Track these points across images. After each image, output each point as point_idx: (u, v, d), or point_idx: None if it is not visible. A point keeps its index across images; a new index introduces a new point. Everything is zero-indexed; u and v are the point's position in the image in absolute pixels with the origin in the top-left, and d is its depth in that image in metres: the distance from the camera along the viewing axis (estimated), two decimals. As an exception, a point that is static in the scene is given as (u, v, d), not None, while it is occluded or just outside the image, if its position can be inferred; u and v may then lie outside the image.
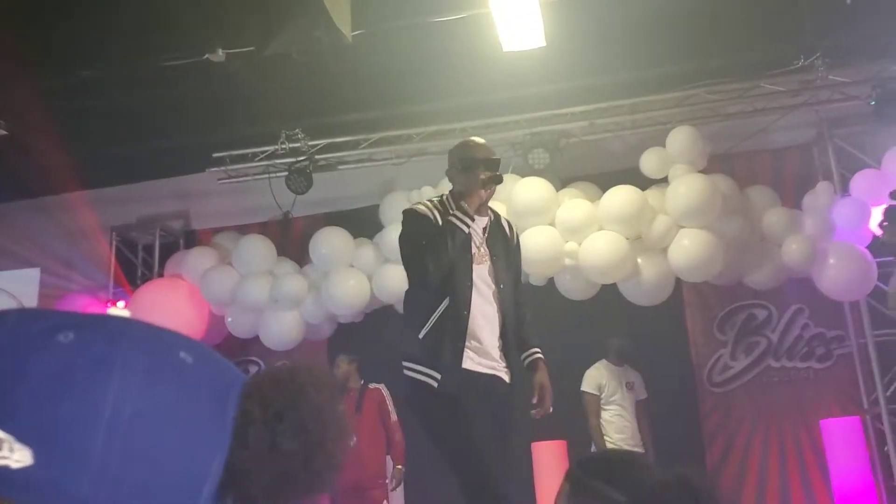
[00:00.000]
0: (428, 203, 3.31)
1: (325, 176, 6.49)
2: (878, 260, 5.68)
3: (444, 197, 3.33)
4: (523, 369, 3.31)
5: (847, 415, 5.94)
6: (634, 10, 5.38)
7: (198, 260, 6.57)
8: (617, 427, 5.54)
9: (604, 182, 5.99)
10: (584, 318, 6.06)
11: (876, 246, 5.73)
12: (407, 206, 3.62)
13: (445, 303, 3.19)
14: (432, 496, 6.02)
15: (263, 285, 6.26)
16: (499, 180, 3.29)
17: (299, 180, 6.28)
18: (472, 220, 3.19)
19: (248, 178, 6.63)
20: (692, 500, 1.53)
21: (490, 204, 3.37)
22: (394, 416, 5.85)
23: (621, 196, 5.71)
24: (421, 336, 3.18)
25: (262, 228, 6.82)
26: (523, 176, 5.97)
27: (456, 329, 3.16)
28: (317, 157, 6.40)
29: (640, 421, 5.71)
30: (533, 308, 5.75)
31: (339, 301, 6.17)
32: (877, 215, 5.64)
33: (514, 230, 3.48)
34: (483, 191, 3.22)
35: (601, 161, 6.35)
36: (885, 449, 5.92)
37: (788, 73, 5.90)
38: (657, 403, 5.97)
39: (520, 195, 5.82)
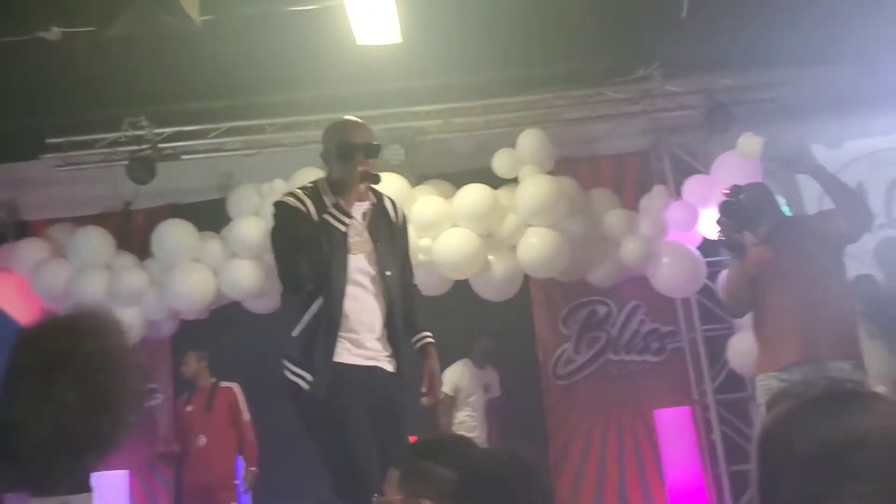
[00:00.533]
0: (300, 193, 3.12)
1: (170, 166, 6.21)
2: (708, 260, 6.09)
3: (320, 183, 3.16)
4: (415, 354, 3.24)
5: (679, 405, 6.33)
6: (489, 12, 5.50)
7: (28, 252, 6.14)
8: (467, 427, 5.66)
9: (457, 180, 6.10)
10: (437, 313, 6.10)
11: (705, 246, 6.14)
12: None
13: (319, 300, 3.07)
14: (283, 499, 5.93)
15: (100, 279, 5.93)
16: (376, 180, 3.13)
17: (142, 169, 5.98)
18: (350, 217, 3.03)
19: (88, 166, 6.25)
20: (520, 471, 1.58)
21: None
22: (246, 416, 5.70)
23: (474, 194, 5.82)
24: (295, 334, 3.09)
25: (101, 220, 6.45)
26: (379, 171, 5.96)
27: (329, 325, 3.06)
28: (161, 145, 6.12)
29: (489, 417, 5.87)
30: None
31: (182, 297, 5.94)
32: (706, 218, 6.04)
33: (399, 210, 3.32)
34: (361, 185, 3.06)
35: (455, 159, 6.46)
36: (713, 437, 6.34)
37: (628, 83, 6.21)
38: (503, 395, 6.15)
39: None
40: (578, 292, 6.54)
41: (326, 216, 3.00)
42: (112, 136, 6.11)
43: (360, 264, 3.10)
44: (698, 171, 6.34)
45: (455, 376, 5.82)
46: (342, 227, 3.01)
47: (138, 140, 6.08)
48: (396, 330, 3.15)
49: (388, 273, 3.13)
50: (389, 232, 3.21)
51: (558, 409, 6.54)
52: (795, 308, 3.88)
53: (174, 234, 6.04)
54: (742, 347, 5.71)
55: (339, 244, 3.05)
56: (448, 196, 5.96)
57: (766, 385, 4.04)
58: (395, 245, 3.24)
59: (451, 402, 5.74)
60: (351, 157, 3.05)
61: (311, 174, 6.01)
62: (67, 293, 5.96)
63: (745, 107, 6.20)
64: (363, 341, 3.08)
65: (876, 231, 6.65)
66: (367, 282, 3.11)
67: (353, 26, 5.04)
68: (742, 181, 5.52)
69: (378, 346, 3.11)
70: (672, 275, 6.05)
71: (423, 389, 3.16)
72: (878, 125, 6.50)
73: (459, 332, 6.09)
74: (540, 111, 6.25)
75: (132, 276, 5.98)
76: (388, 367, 3.12)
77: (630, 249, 5.98)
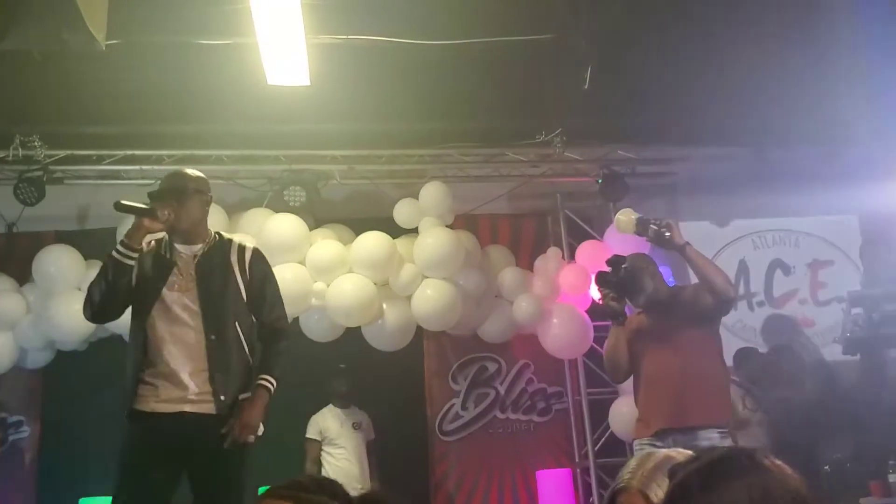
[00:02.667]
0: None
1: (60, 190, 6.00)
2: (595, 324, 6.24)
3: None
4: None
5: (561, 466, 6.39)
6: (400, 64, 5.61)
7: None
8: (344, 469, 5.57)
9: (358, 227, 6.09)
10: (327, 360, 6.04)
11: (593, 310, 6.29)
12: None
13: (130, 336, 3.27)
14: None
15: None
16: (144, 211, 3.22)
17: (30, 190, 5.74)
18: (137, 253, 3.19)
19: (-29, 182, 5.97)
20: None
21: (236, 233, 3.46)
22: None
23: (372, 241, 5.83)
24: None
25: (-18, 239, 6.16)
26: (277, 211, 5.92)
27: (135, 363, 3.19)
28: (52, 168, 5.90)
29: (370, 460, 5.82)
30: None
31: (60, 326, 5.67)
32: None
33: (247, 256, 3.39)
34: (139, 223, 3.20)
35: (357, 206, 6.47)
36: (591, 500, 6.41)
37: (531, 146, 6.39)
38: (389, 449, 6.07)
39: (272, 230, 5.75)
40: (470, 347, 6.57)
41: (113, 253, 3.19)
42: (1, 153, 5.86)
43: (175, 301, 3.22)
44: (592, 237, 6.54)
45: (318, 421, 5.79)
46: (128, 262, 3.17)
47: (28, 160, 5.85)
48: (221, 370, 3.19)
49: (211, 313, 3.22)
50: (224, 275, 3.30)
51: (443, 465, 6.49)
52: (667, 375, 4.04)
53: (58, 260, 5.79)
54: (623, 411, 5.84)
55: (153, 280, 3.22)
56: (346, 242, 5.95)
57: (641, 451, 4.17)
58: (232, 288, 3.30)
59: (316, 449, 5.72)
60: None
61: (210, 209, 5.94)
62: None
63: (639, 178, 6.49)
64: (174, 374, 3.16)
65: (756, 308, 7.03)
66: (183, 319, 3.21)
67: (265, 65, 5.04)
68: (631, 249, 5.77)
69: (191, 383, 3.16)
70: (561, 335, 6.16)
71: (224, 430, 3.15)
72: (763, 206, 6.86)
73: (334, 374, 6.01)
74: (444, 165, 6.36)
75: (8, 300, 5.70)
76: (202, 409, 3.16)
77: (522, 308, 6.07)
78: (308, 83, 5.21)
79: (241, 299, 3.32)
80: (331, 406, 5.87)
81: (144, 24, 5.00)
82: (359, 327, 5.93)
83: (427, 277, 5.91)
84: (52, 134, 5.86)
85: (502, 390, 6.66)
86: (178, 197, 3.25)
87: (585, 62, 5.75)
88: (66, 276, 5.76)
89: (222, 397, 3.16)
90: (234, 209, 6.09)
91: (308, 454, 5.70)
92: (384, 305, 5.89)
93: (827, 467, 5.45)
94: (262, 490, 4.86)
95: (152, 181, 6.09)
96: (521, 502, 6.42)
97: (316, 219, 6.13)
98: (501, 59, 5.82)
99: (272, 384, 3.26)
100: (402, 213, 6.12)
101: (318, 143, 6.12)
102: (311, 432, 5.76)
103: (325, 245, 5.84)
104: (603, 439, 6.45)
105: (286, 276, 5.61)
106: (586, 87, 5.81)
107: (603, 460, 6.38)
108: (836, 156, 6.32)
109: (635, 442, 4.22)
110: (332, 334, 5.96)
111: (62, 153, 5.92)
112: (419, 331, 6.18)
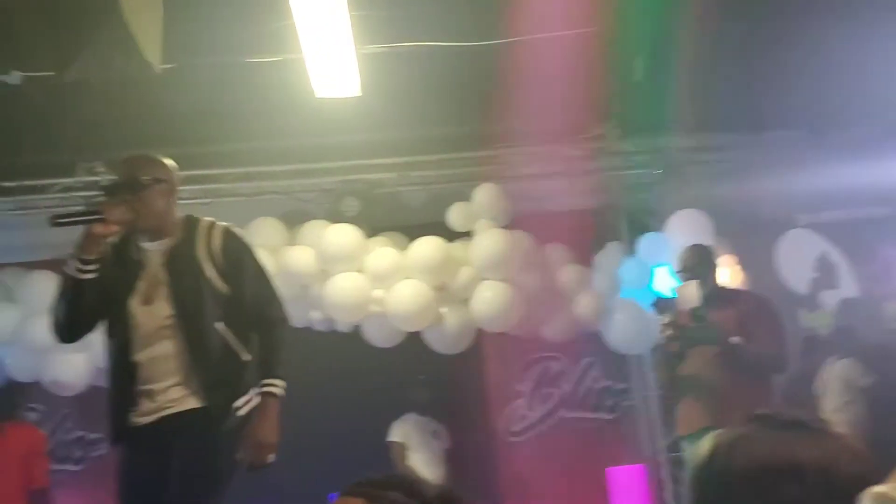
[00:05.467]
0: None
1: (125, 212, 6.19)
2: (667, 312, 6.14)
3: None
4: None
5: (632, 463, 6.31)
6: (447, 68, 5.62)
7: (-26, 296, 6.03)
8: (425, 472, 5.65)
9: (412, 233, 6.13)
10: (389, 365, 6.10)
11: (657, 304, 6.20)
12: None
13: (109, 354, 2.97)
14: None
15: (49, 325, 5.81)
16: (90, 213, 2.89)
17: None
18: (85, 263, 2.83)
19: (40, 210, 6.19)
20: None
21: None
22: None
23: (428, 247, 5.85)
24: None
25: (53, 265, 6.35)
26: (334, 222, 5.99)
27: (115, 381, 2.95)
28: (116, 192, 6.09)
29: (444, 469, 5.88)
30: (339, 355, 5.76)
31: (133, 344, 5.84)
32: (659, 275, 6.14)
33: (218, 239, 2.97)
34: (88, 230, 2.83)
35: (410, 212, 6.50)
36: (665, 496, 6.30)
37: (584, 141, 6.32)
38: (456, 451, 6.10)
39: (329, 241, 5.83)
40: (532, 347, 6.54)
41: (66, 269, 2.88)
42: (67, 181, 6.08)
43: (147, 308, 2.87)
44: (652, 229, 6.44)
45: (402, 425, 5.89)
46: (86, 276, 2.82)
47: (93, 186, 6.05)
48: (211, 377, 2.87)
49: (186, 315, 2.87)
50: (195, 268, 2.91)
51: (512, 466, 6.47)
52: (706, 374, 4.05)
53: (126, 281, 5.97)
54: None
55: (120, 288, 2.89)
56: (402, 248, 5.98)
57: (689, 447, 4.18)
58: (205, 281, 2.91)
59: (402, 451, 5.81)
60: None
61: (267, 224, 6.06)
62: (15, 338, 5.85)
63: (697, 167, 6.37)
64: (153, 392, 2.86)
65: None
66: (157, 327, 2.87)
67: (313, 79, 5.11)
68: (695, 240, 5.68)
69: (171, 393, 2.85)
70: (625, 331, 6.08)
71: (239, 455, 2.87)
72: (825, 190, 6.66)
73: (411, 384, 6.09)
74: (496, 166, 6.34)
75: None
76: (183, 406, 2.85)
77: (584, 305, 6.02)
78: (358, 93, 5.26)
79: (217, 290, 2.92)
80: (413, 414, 5.96)
81: (196, 46, 5.12)
82: (419, 332, 5.96)
83: (485, 279, 5.90)
84: (115, 159, 6.03)
85: (568, 389, 6.62)
86: (131, 190, 2.86)
87: (635, 52, 5.67)
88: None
89: (205, 390, 2.86)
90: (292, 222, 6.18)
91: (396, 455, 5.81)
92: (443, 309, 5.90)
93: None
94: (331, 496, 4.94)
95: (213, 200, 6.27)
96: (594, 501, 6.36)
97: (371, 227, 6.18)
98: (549, 55, 5.77)
99: (279, 386, 2.92)
100: (456, 216, 6.12)
101: (370, 152, 6.18)
102: (396, 436, 5.86)
103: (382, 253, 5.89)
104: (674, 433, 6.32)
105: (345, 284, 5.72)
106: (638, 77, 5.74)
107: (675, 455, 6.26)
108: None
109: (682, 439, 4.29)
110: (393, 340, 6.00)
111: (125, 177, 6.10)
112: (479, 333, 6.17)
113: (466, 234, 6.11)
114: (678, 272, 4.45)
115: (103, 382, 6.01)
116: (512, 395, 6.56)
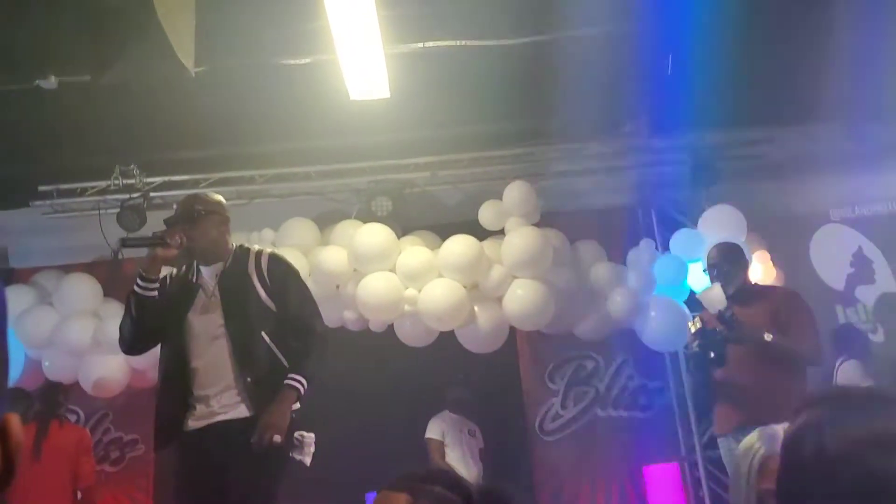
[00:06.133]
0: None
1: (160, 214, 6.23)
2: (695, 314, 6.08)
3: None
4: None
5: (667, 461, 6.26)
6: (476, 67, 5.62)
7: (13, 299, 6.09)
8: (462, 469, 5.66)
9: (443, 232, 6.13)
10: (422, 364, 6.11)
11: (691, 301, 6.15)
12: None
13: (165, 363, 3.33)
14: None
15: (86, 327, 5.90)
16: (155, 241, 3.31)
17: (132, 217, 6.02)
18: (158, 284, 3.28)
19: (76, 213, 6.29)
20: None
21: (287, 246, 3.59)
22: None
23: (459, 245, 5.85)
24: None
25: (89, 268, 6.46)
26: (366, 222, 6.01)
27: (168, 388, 3.27)
28: (152, 194, 6.18)
29: (481, 466, 5.90)
30: (373, 354, 5.78)
31: (168, 345, 5.90)
32: (693, 272, 6.09)
33: (264, 262, 3.42)
34: (152, 254, 3.27)
35: (441, 211, 6.51)
36: (701, 493, 6.26)
37: (615, 138, 6.30)
38: (490, 450, 6.10)
39: (362, 241, 5.85)
40: (566, 346, 6.51)
41: (134, 289, 3.29)
42: (103, 184, 6.17)
43: (203, 322, 3.28)
44: (685, 226, 6.39)
45: (439, 422, 5.90)
46: (150, 294, 3.25)
47: (129, 188, 6.14)
48: (256, 383, 3.21)
49: (237, 327, 3.25)
50: (245, 287, 3.33)
51: (546, 465, 6.44)
52: (741, 373, 4.02)
53: (162, 283, 6.03)
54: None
55: (178, 306, 3.30)
56: (434, 247, 5.99)
57: (727, 446, 4.16)
58: (254, 299, 3.32)
59: (440, 447, 5.82)
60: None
61: (300, 224, 6.10)
62: (52, 340, 5.94)
63: (729, 163, 6.31)
64: (208, 397, 3.22)
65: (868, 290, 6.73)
66: (210, 338, 3.26)
67: (346, 81, 5.12)
68: (728, 236, 5.63)
69: (223, 399, 3.21)
70: (660, 328, 6.03)
71: (254, 437, 3.12)
72: (859, 184, 6.59)
73: (445, 383, 6.10)
74: (526, 164, 6.34)
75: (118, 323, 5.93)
76: (234, 414, 3.20)
77: (617, 303, 5.98)
78: (388, 95, 5.28)
79: (267, 307, 3.33)
80: (447, 412, 5.97)
81: (229, 48, 5.16)
82: (453, 331, 5.96)
83: (517, 277, 5.89)
84: (150, 162, 6.13)
85: (602, 388, 6.57)
86: (188, 220, 3.34)
87: (666, 48, 5.63)
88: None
89: (253, 400, 3.19)
90: (325, 223, 6.22)
91: (433, 453, 5.81)
92: (476, 308, 5.90)
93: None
94: (369, 495, 4.94)
95: (246, 201, 6.33)
96: (629, 499, 6.32)
97: (403, 227, 6.20)
98: (579, 52, 5.75)
99: (301, 383, 3.23)
100: (487, 214, 6.12)
101: (401, 151, 6.20)
102: (434, 432, 5.87)
103: (414, 252, 5.89)
104: (709, 431, 6.27)
105: (378, 284, 5.73)
106: (669, 72, 5.70)
107: (711, 452, 6.21)
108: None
109: (719, 438, 4.28)
110: (426, 339, 6.00)
111: (160, 180, 6.19)
112: (513, 332, 6.17)
113: (498, 233, 6.10)
114: (705, 270, 4.43)
115: (140, 384, 6.16)
116: (546, 394, 6.54)
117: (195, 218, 3.35)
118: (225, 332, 3.24)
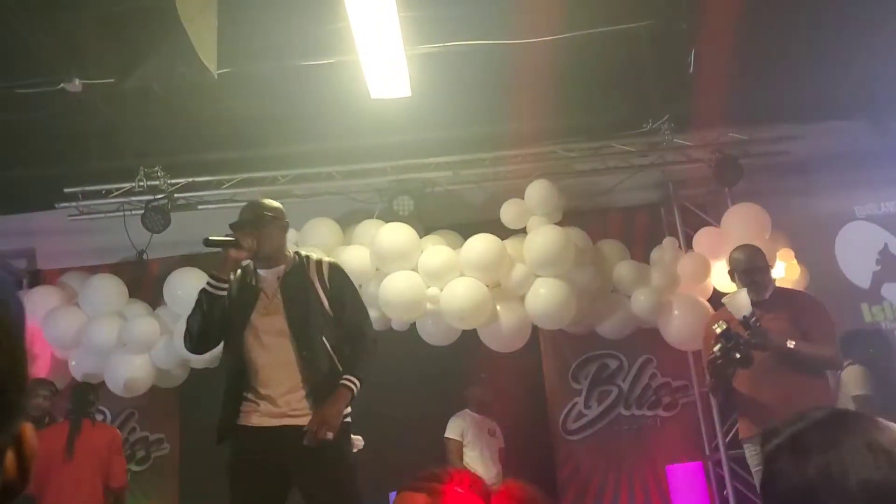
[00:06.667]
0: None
1: (184, 216, 6.30)
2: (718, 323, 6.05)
3: None
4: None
5: (691, 461, 6.23)
6: (496, 67, 5.62)
7: (40, 299, 6.18)
8: (480, 469, 5.64)
9: (466, 231, 6.13)
10: (444, 363, 6.12)
11: (716, 299, 6.11)
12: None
13: (228, 362, 3.44)
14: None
15: (112, 327, 5.95)
16: (227, 243, 3.39)
17: (156, 218, 6.07)
18: (227, 284, 3.39)
19: (102, 215, 6.35)
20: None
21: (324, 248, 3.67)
22: None
23: (481, 244, 5.84)
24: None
25: (115, 269, 6.52)
26: (388, 222, 6.03)
27: (233, 386, 3.37)
28: (176, 195, 6.22)
29: (502, 465, 5.86)
30: (395, 354, 5.78)
31: (193, 345, 5.93)
32: (717, 270, 6.05)
33: (325, 268, 3.55)
34: (225, 255, 3.37)
35: (463, 210, 6.51)
36: (725, 492, 6.22)
37: (638, 136, 6.27)
38: (513, 450, 6.08)
39: (384, 240, 5.86)
40: (588, 345, 6.49)
41: (205, 287, 3.42)
42: (127, 185, 6.22)
43: (266, 324, 3.38)
44: (708, 224, 6.35)
45: (459, 422, 5.88)
46: (220, 293, 3.38)
47: (153, 190, 6.19)
48: (315, 384, 3.33)
49: (300, 330, 3.36)
50: (306, 291, 3.46)
51: (569, 464, 6.43)
52: (764, 378, 4.00)
53: (186, 283, 6.07)
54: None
55: (237, 304, 3.40)
56: (456, 246, 5.99)
57: (754, 450, 4.14)
58: (315, 302, 3.44)
59: (459, 448, 5.80)
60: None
61: (322, 224, 6.12)
62: (78, 340, 6.00)
63: (752, 160, 6.27)
64: (275, 398, 3.31)
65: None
66: (274, 340, 3.36)
67: (367, 80, 5.14)
68: (751, 234, 5.59)
69: (290, 401, 3.31)
70: (683, 327, 5.99)
71: (305, 428, 3.26)
72: (884, 182, 6.52)
73: (467, 382, 6.09)
74: (549, 163, 6.32)
75: (143, 323, 6.00)
76: (303, 422, 3.27)
77: (641, 301, 5.95)
78: (409, 94, 5.29)
79: (326, 312, 3.46)
80: (468, 411, 5.96)
81: (251, 50, 5.20)
82: (475, 330, 5.96)
83: (539, 276, 5.88)
84: (174, 163, 6.18)
85: (625, 387, 6.55)
86: (257, 225, 3.42)
87: (688, 45, 5.60)
88: (195, 297, 6.01)
89: (317, 403, 3.29)
90: (347, 222, 6.24)
91: (451, 454, 5.77)
92: (498, 307, 5.89)
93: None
94: (392, 494, 4.98)
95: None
96: (653, 498, 6.29)
97: (425, 226, 6.21)
98: (600, 50, 5.73)
99: (355, 384, 3.35)
100: (509, 213, 6.11)
101: (422, 151, 6.21)
102: (453, 432, 5.85)
103: (436, 251, 5.89)
104: (734, 430, 6.24)
105: (400, 283, 5.74)
106: (691, 70, 5.66)
107: (735, 452, 6.17)
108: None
109: (745, 443, 4.27)
110: (449, 338, 6.01)
111: (184, 181, 6.23)
112: (535, 332, 6.16)
113: (520, 232, 6.09)
114: (729, 273, 4.38)
115: (165, 384, 6.21)
116: (568, 393, 6.52)
117: (263, 223, 3.45)
118: (289, 333, 3.35)
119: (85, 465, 5.06)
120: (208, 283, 3.41)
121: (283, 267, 3.50)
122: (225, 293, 3.39)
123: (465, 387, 6.03)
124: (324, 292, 3.48)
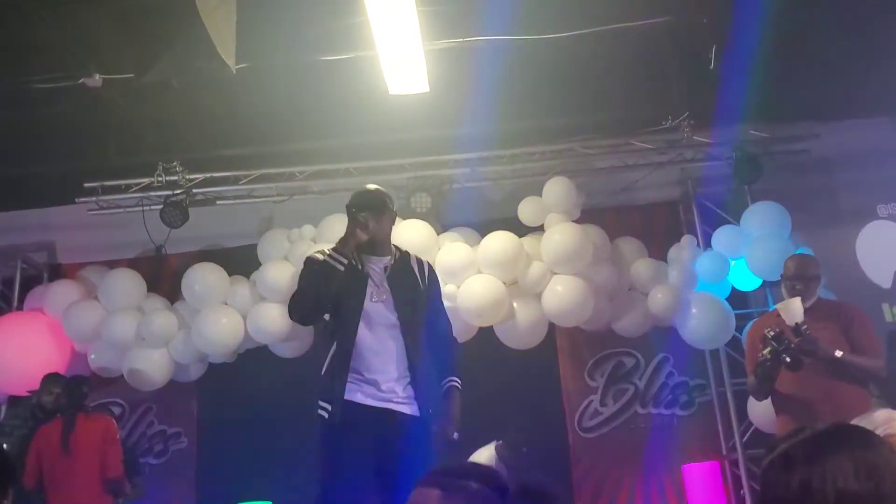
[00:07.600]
0: (327, 249, 3.46)
1: (202, 211, 6.33)
2: (737, 312, 6.01)
3: None
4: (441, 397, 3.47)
5: (707, 460, 6.19)
6: (515, 65, 5.59)
7: (60, 293, 6.23)
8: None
9: (483, 228, 6.12)
10: (460, 360, 6.08)
11: (734, 298, 6.07)
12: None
13: (336, 341, 3.41)
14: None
15: (130, 321, 5.99)
16: (355, 221, 3.37)
17: (175, 213, 6.09)
18: (347, 260, 3.34)
19: (121, 210, 6.39)
20: (557, 491, 1.61)
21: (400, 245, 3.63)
22: None
23: (499, 241, 5.83)
24: (322, 373, 3.40)
25: (133, 264, 6.56)
26: (405, 218, 6.02)
27: (342, 364, 3.35)
28: (194, 191, 6.24)
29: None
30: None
31: (210, 340, 5.96)
32: (735, 269, 6.01)
33: (426, 266, 3.63)
34: (352, 231, 3.34)
35: (481, 208, 6.48)
36: (742, 492, 6.18)
37: (657, 133, 6.22)
38: (529, 447, 6.05)
39: (401, 237, 5.83)
40: (605, 343, 6.46)
41: (327, 258, 3.34)
42: (146, 181, 6.25)
43: (377, 310, 3.39)
44: (727, 222, 6.30)
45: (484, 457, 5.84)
46: (339, 267, 3.31)
47: (172, 185, 6.21)
48: (418, 375, 3.39)
49: (407, 322, 3.41)
50: (412, 286, 3.50)
51: (584, 462, 6.41)
52: (806, 379, 3.98)
53: (204, 278, 6.10)
54: (759, 406, 5.57)
55: (351, 286, 3.37)
56: (473, 244, 5.97)
57: None
58: (418, 299, 3.49)
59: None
60: (349, 213, 3.41)
61: (340, 220, 6.10)
62: (97, 334, 6.04)
63: (772, 158, 6.21)
64: (379, 383, 3.34)
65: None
66: (383, 328, 3.39)
67: (386, 76, 5.13)
68: (772, 232, 5.53)
69: (395, 388, 3.35)
70: (701, 326, 5.96)
71: (435, 428, 3.35)
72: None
73: (483, 380, 6.06)
74: (567, 160, 6.28)
75: (162, 318, 6.03)
76: (406, 410, 3.35)
77: (658, 300, 5.92)
78: (427, 90, 5.27)
79: (425, 307, 3.52)
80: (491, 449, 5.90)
81: (269, 46, 5.20)
82: (492, 327, 5.95)
83: (556, 274, 5.85)
84: (192, 159, 6.20)
85: (642, 385, 6.52)
86: (380, 211, 3.42)
87: (710, 41, 5.55)
88: (212, 292, 6.07)
89: (421, 400, 3.38)
90: (364, 219, 6.22)
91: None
92: (515, 304, 5.88)
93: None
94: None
95: (287, 198, 6.38)
96: (668, 497, 6.26)
97: (442, 223, 6.19)
98: (620, 46, 5.69)
99: (458, 382, 3.47)
100: (527, 211, 6.09)
101: (440, 148, 6.20)
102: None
103: (453, 248, 5.89)
104: (751, 430, 6.20)
105: (418, 280, 5.73)
106: (711, 67, 5.61)
107: (752, 451, 6.14)
108: None
109: None
110: (465, 335, 5.99)
111: (202, 176, 6.25)
112: (552, 328, 6.13)
113: (538, 229, 6.07)
114: (782, 281, 4.34)
115: (182, 378, 6.24)
116: (585, 391, 6.50)
117: (384, 208, 3.45)
118: (398, 323, 3.39)
119: (81, 459, 5.08)
120: (330, 255, 3.34)
121: (388, 258, 3.51)
122: (343, 268, 3.33)
123: (482, 384, 5.92)
124: (424, 288, 3.54)
